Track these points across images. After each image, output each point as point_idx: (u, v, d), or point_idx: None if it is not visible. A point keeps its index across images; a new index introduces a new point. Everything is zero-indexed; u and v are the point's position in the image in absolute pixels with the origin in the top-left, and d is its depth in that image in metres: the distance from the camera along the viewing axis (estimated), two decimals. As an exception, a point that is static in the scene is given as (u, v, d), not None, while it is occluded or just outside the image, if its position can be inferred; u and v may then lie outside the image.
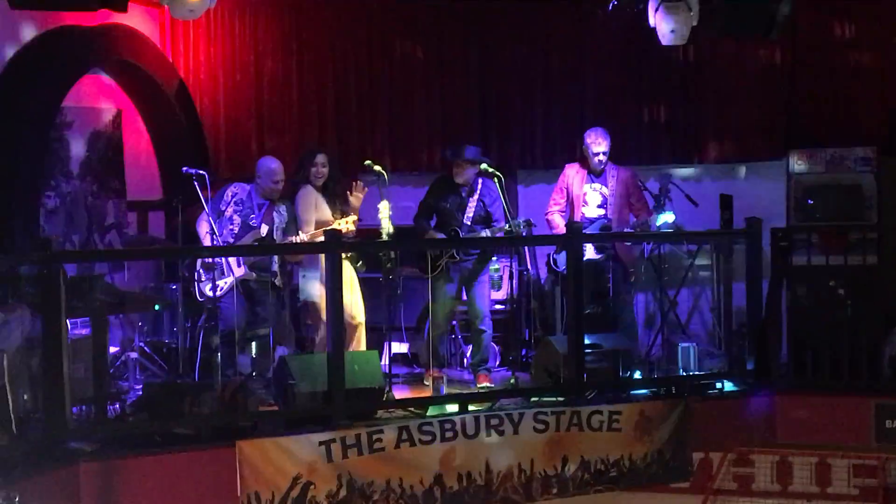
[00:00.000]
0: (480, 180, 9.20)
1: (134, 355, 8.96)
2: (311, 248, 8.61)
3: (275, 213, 8.78)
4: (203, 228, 8.74)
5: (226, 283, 8.64)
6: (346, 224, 8.56)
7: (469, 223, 9.14)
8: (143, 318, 9.35)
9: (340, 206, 8.77)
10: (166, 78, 10.51)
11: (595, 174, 9.55)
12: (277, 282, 8.82)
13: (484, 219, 9.16)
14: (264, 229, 8.71)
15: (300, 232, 8.65)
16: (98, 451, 6.98)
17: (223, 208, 8.77)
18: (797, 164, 9.89)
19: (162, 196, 10.52)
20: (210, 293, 8.61)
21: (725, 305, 9.00)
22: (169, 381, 8.65)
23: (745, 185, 10.52)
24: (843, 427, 8.44)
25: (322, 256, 8.15)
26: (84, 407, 7.46)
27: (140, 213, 10.62)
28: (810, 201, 9.74)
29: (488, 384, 8.91)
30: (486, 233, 9.03)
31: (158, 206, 10.46)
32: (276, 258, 8.81)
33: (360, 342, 8.77)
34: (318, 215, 8.73)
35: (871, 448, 8.31)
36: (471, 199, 9.18)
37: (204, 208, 8.59)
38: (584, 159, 9.59)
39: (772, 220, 9.16)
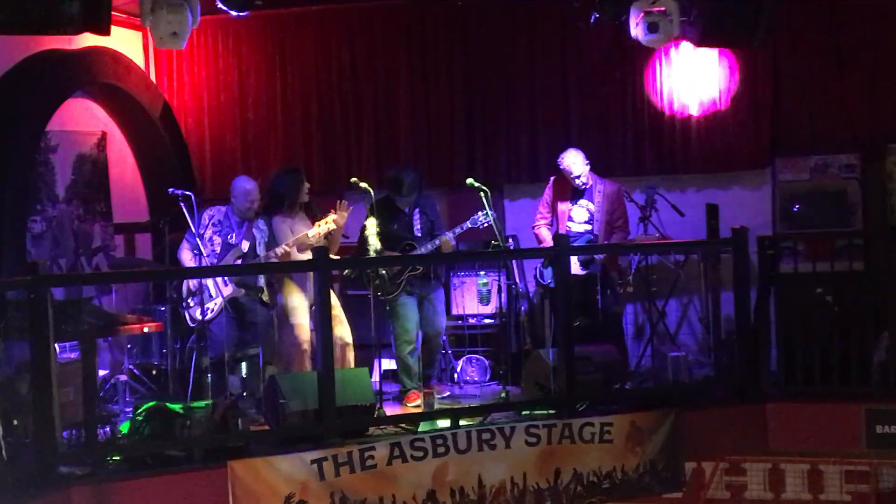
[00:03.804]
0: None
1: (123, 378, 8.93)
2: (300, 266, 8.62)
3: (255, 230, 8.77)
4: (185, 256, 8.74)
5: (215, 304, 8.63)
6: (327, 224, 8.58)
7: (419, 235, 9.18)
8: (131, 340, 9.32)
9: (321, 218, 8.80)
10: (150, 100, 10.53)
11: (580, 191, 9.56)
12: (265, 297, 8.82)
13: (429, 230, 9.21)
14: (245, 245, 8.71)
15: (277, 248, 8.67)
16: (89, 474, 6.95)
17: (202, 232, 8.76)
18: (782, 171, 9.92)
19: (148, 218, 10.52)
20: (200, 317, 8.59)
21: (714, 314, 9.00)
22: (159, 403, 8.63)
23: (731, 193, 10.53)
24: (835, 433, 8.45)
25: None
26: (74, 431, 7.43)
27: (127, 236, 10.63)
28: (796, 209, 9.76)
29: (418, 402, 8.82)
30: (434, 243, 9.03)
31: (145, 228, 10.45)
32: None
33: (348, 363, 8.78)
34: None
35: (863, 454, 8.32)
36: (415, 213, 9.22)
37: (190, 229, 8.58)
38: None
39: (758, 229, 9.18)
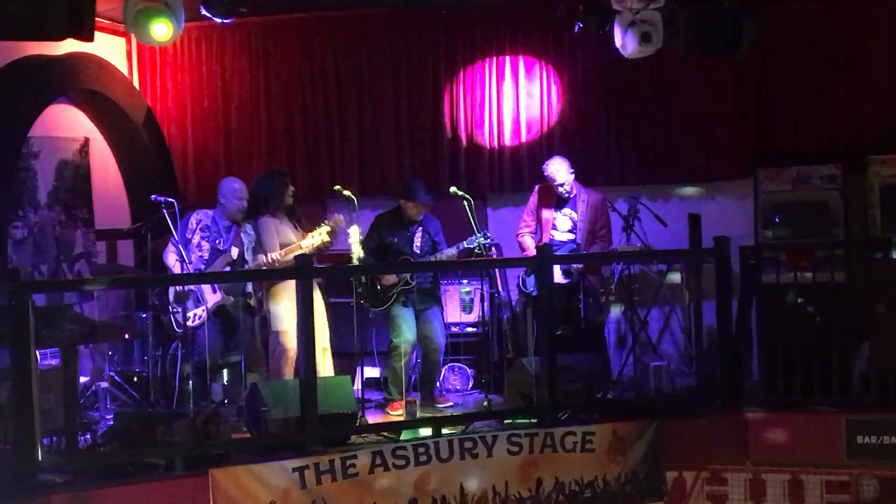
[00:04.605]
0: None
1: (104, 385, 8.91)
2: (283, 274, 8.61)
3: (243, 235, 8.77)
4: (171, 259, 8.70)
5: (202, 311, 8.59)
6: (320, 236, 8.59)
7: (419, 252, 9.20)
8: (113, 347, 9.29)
9: (305, 225, 8.82)
10: (133, 106, 10.51)
11: (564, 200, 9.57)
12: (252, 302, 8.81)
13: (431, 251, 9.24)
14: (234, 252, 8.69)
15: (268, 254, 8.67)
16: (69, 482, 6.93)
17: (189, 236, 8.74)
18: (765, 182, 9.94)
19: (131, 225, 10.49)
20: (186, 324, 8.54)
21: (696, 324, 9.03)
22: (140, 410, 8.60)
23: (713, 203, 10.56)
24: (816, 443, 8.48)
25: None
26: (55, 438, 7.41)
27: (109, 242, 10.60)
28: (778, 219, 9.79)
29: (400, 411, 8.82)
30: (436, 257, 9.08)
31: (127, 234, 10.42)
32: (247, 278, 8.82)
33: (326, 367, 8.76)
34: (280, 240, 8.77)
35: (844, 464, 8.35)
36: (417, 231, 9.25)
37: (173, 235, 8.55)
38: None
39: (740, 239, 9.20)
